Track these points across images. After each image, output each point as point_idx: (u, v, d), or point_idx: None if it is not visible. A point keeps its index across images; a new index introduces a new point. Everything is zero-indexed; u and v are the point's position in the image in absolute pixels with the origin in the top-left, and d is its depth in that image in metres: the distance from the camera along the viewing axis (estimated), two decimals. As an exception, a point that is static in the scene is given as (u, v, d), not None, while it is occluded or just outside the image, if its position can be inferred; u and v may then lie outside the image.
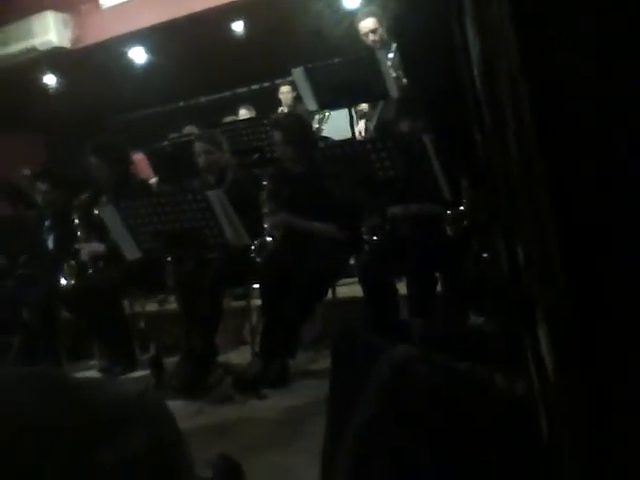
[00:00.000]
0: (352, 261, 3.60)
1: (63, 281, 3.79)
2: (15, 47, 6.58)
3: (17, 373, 0.65)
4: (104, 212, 3.18)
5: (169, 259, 3.30)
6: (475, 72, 0.55)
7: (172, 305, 3.57)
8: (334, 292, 3.38)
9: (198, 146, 3.61)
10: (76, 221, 3.88)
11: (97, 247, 3.78)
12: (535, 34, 0.50)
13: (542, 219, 0.52)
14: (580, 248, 0.53)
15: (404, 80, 4.24)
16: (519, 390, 0.89)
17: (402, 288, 3.20)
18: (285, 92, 5.82)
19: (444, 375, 1.02)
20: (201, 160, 3.58)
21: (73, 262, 3.83)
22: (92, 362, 3.84)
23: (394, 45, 4.41)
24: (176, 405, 2.75)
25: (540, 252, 0.53)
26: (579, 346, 0.53)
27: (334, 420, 1.25)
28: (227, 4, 5.95)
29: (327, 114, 5.10)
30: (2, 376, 0.62)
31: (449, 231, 2.97)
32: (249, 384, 2.99)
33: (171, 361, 3.31)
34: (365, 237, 3.66)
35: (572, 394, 0.54)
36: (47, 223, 4.27)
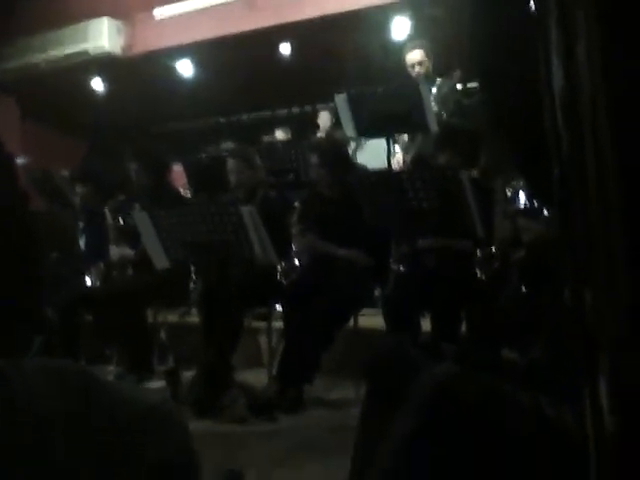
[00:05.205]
0: (377, 292, 3.57)
1: (89, 282, 3.82)
2: (68, 49, 6.74)
3: (39, 363, 0.64)
4: (138, 218, 3.20)
5: (195, 272, 3.32)
6: (557, 104, 0.54)
7: (194, 318, 3.57)
8: (356, 321, 3.34)
9: (231, 163, 3.63)
10: (109, 222, 3.92)
11: (126, 252, 3.82)
12: (624, 73, 0.49)
13: (617, 263, 0.50)
14: None
15: (443, 115, 4.24)
16: (567, 419, 0.86)
17: (425, 324, 3.16)
18: (324, 118, 5.87)
19: (489, 395, 0.98)
20: (233, 177, 3.60)
21: (101, 264, 3.87)
22: (109, 368, 3.84)
23: (438, 80, 4.42)
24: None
25: (610, 296, 0.51)
26: None
27: (366, 434, 1.22)
28: (277, 26, 6.05)
29: (363, 142, 5.12)
30: (23, 366, 0.61)
31: (479, 272, 2.93)
32: (263, 407, 2.95)
33: (188, 374, 3.30)
34: (392, 267, 3.63)
35: (630, 448, 0.51)
36: (81, 224, 4.33)
